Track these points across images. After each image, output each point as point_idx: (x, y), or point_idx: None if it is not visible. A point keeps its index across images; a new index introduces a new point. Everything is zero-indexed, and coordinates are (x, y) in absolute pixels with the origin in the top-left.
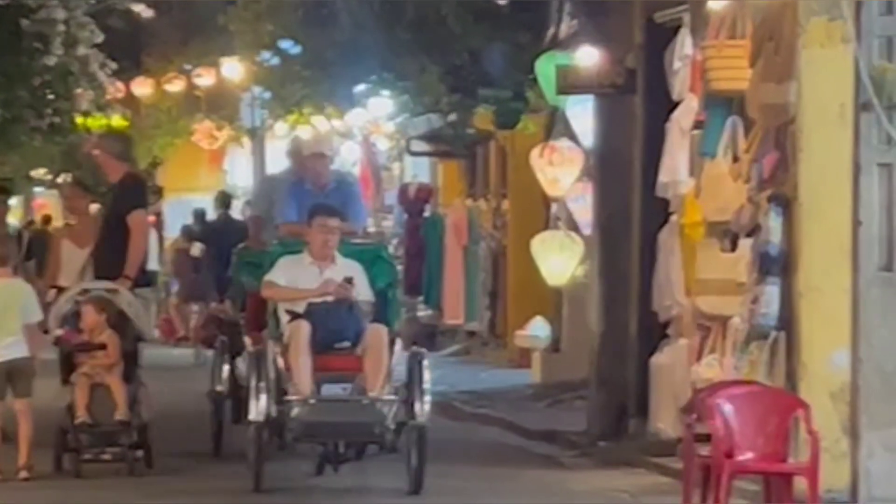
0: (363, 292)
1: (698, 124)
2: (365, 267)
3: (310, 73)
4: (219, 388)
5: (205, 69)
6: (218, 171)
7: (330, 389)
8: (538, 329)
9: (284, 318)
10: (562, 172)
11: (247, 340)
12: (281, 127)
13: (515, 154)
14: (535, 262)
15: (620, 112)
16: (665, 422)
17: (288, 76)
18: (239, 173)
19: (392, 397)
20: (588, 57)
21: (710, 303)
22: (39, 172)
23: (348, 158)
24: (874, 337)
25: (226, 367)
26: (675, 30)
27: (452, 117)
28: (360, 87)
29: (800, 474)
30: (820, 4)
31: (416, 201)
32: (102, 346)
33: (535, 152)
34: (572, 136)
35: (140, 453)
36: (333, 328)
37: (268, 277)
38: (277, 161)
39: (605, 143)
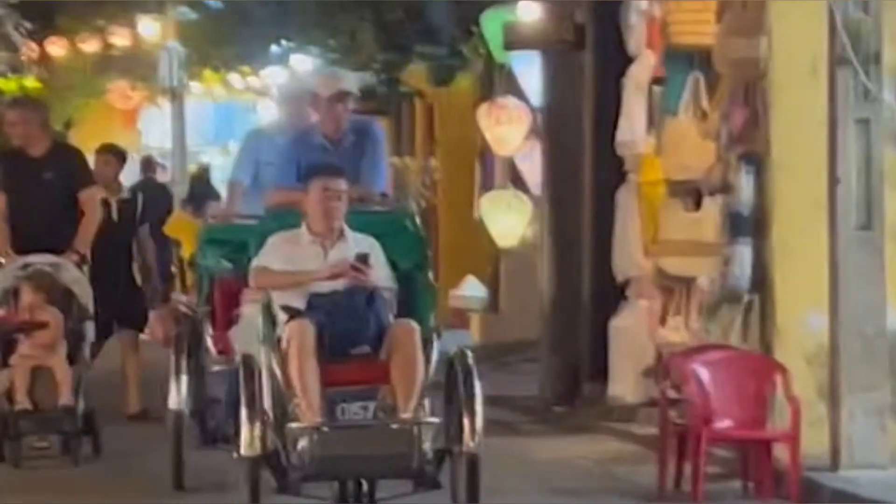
0: (383, 276)
1: (656, 80)
2: (384, 242)
3: (234, 30)
4: (176, 405)
5: (120, 27)
6: (132, 132)
7: (347, 410)
8: (472, 289)
9: (281, 315)
10: (509, 131)
11: (209, 342)
12: (196, 86)
13: (445, 111)
14: (484, 221)
15: (569, 69)
16: (625, 386)
17: (209, 33)
18: (154, 133)
19: (432, 420)
20: (535, 12)
21: (673, 264)
22: None
23: (265, 116)
24: (853, 298)
25: (184, 378)
26: None
27: (383, 75)
28: (284, 45)
29: (780, 441)
30: None
31: None
32: (44, 325)
33: (481, 110)
34: (519, 94)
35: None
36: (348, 327)
37: (257, 262)
38: (197, 120)
39: (554, 100)
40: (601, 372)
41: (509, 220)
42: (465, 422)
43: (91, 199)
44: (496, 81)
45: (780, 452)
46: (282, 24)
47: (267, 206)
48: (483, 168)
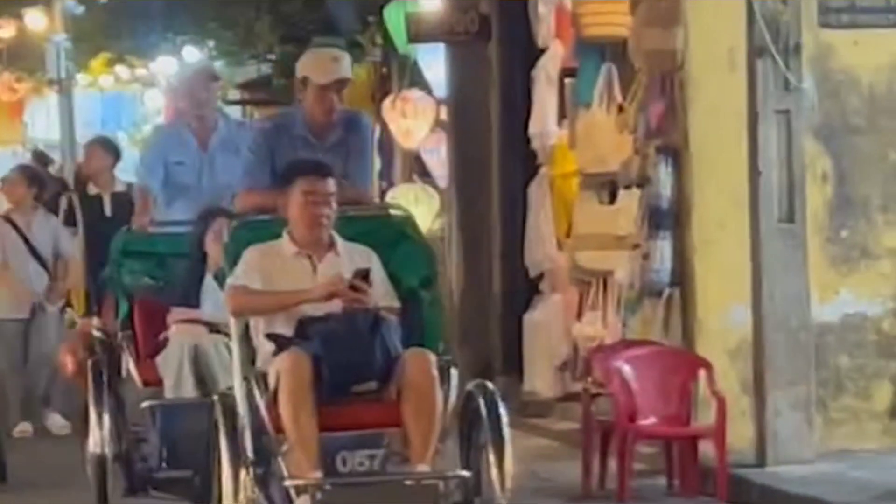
0: (385, 295)
1: (567, 72)
2: (382, 253)
3: (124, 22)
4: (98, 448)
5: (4, 20)
6: (18, 124)
7: (350, 461)
8: None
9: (265, 346)
10: (415, 124)
11: (132, 371)
12: (83, 77)
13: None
14: None
15: (474, 60)
16: (541, 381)
17: (98, 25)
18: (40, 125)
19: (460, 473)
20: (437, 4)
21: (589, 258)
22: None
23: (152, 107)
24: (776, 292)
25: (105, 416)
26: None
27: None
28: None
29: (705, 437)
30: None
31: None
32: None
33: (386, 103)
34: (424, 86)
35: None
36: (349, 359)
37: (233, 280)
38: (84, 111)
39: (460, 92)
40: (514, 367)
41: (417, 212)
42: (494, 472)
43: None
44: (399, 73)
45: (706, 448)
46: (173, 16)
47: (239, 211)
48: (383, 160)
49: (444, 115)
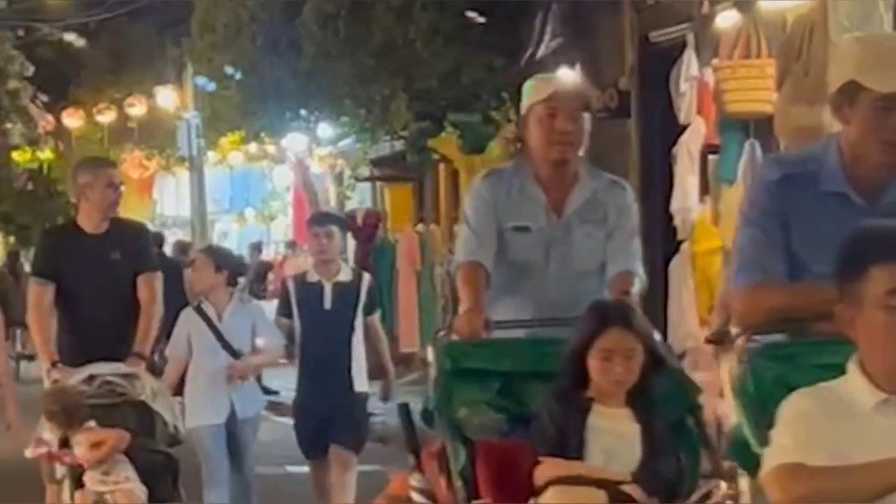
0: None
1: (708, 148)
2: None
3: (256, 100)
4: None
5: (136, 98)
6: (148, 201)
7: None
8: None
9: None
10: None
11: None
12: (212, 154)
13: (472, 176)
14: None
15: (613, 137)
16: None
17: (229, 103)
18: (168, 202)
19: None
20: (575, 80)
21: None
22: None
23: (280, 184)
24: None
25: None
26: (672, 50)
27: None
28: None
29: None
30: (851, 21)
31: (364, 228)
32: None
33: None
34: None
35: None
36: None
37: (778, 455)
38: (213, 187)
39: (599, 168)
40: None
41: None
42: None
43: (151, 284)
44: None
45: None
46: (306, 94)
47: (743, 316)
48: None
49: None
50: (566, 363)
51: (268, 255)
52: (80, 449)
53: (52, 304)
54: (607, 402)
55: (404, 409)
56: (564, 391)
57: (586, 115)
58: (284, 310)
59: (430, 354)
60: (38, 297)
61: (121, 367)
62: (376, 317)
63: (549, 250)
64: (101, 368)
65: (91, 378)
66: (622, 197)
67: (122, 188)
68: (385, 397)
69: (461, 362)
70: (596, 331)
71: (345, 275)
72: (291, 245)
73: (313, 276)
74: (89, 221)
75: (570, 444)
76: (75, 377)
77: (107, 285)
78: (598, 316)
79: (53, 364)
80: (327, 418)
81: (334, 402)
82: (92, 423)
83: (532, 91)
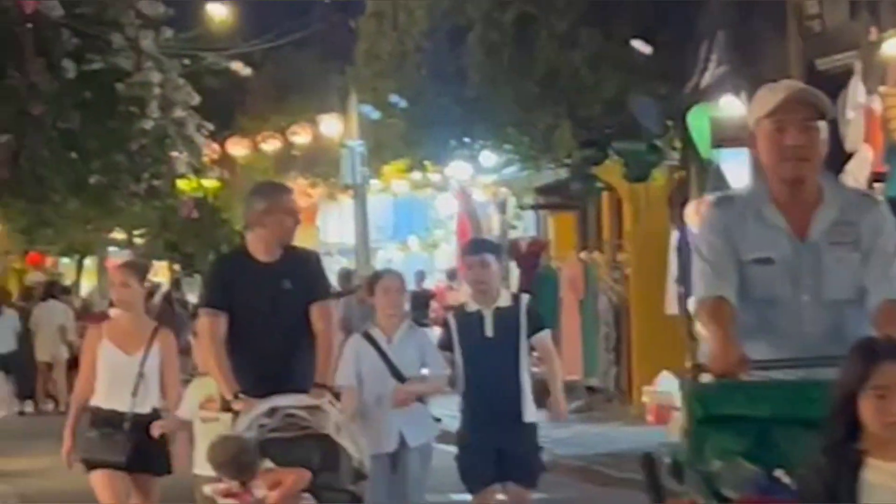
0: None
1: (875, 176)
2: None
3: (419, 128)
4: None
5: (301, 126)
6: (312, 229)
7: None
8: (666, 384)
9: None
10: None
11: None
12: (376, 182)
13: (638, 205)
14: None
15: None
16: None
17: (397, 132)
18: (331, 230)
19: None
20: (738, 107)
21: None
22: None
23: (444, 212)
24: None
25: None
26: (839, 77)
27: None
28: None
29: None
30: None
31: (528, 256)
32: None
33: (690, 208)
34: (727, 190)
35: None
36: None
37: None
38: (376, 215)
39: None
40: None
41: None
42: None
43: (327, 314)
44: (698, 177)
45: None
46: (470, 122)
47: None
48: (680, 262)
49: None
50: (834, 408)
51: (431, 283)
52: (261, 491)
53: (225, 337)
54: (884, 454)
55: (648, 460)
56: (835, 441)
57: (822, 125)
58: (446, 343)
59: (594, 381)
60: (213, 327)
61: (304, 399)
62: (543, 334)
63: (797, 282)
64: (285, 400)
65: (273, 410)
66: (876, 213)
67: (300, 216)
68: (556, 418)
69: (713, 408)
70: (867, 367)
71: (504, 300)
72: (452, 274)
73: (472, 306)
74: (263, 249)
75: None
76: (257, 409)
77: (280, 314)
78: (868, 351)
79: (236, 396)
80: (497, 452)
81: (505, 436)
82: (269, 464)
83: (757, 104)
